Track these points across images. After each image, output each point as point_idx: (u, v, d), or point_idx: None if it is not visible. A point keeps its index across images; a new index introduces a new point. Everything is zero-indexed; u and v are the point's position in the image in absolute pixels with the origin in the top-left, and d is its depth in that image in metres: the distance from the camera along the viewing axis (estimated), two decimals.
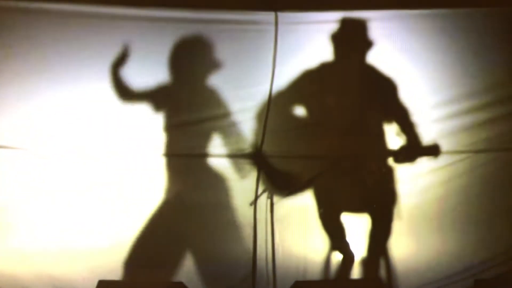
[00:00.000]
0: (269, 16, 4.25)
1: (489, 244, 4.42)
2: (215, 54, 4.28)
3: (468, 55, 4.37)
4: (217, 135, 4.38)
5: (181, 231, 4.34)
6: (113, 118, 4.28)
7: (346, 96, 4.40)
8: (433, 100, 4.40)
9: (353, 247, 4.39)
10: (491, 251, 4.41)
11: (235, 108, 4.37)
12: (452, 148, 4.41)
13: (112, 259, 4.25)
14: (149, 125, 4.33)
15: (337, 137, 4.38)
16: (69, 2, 4.12)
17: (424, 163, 4.40)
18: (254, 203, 4.36)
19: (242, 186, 4.40)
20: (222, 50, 4.29)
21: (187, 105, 4.35)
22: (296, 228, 4.42)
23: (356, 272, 4.38)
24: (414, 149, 4.37)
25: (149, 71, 4.27)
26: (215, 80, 4.33)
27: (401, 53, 4.35)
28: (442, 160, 4.39)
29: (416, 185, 4.44)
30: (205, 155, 4.37)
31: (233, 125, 4.38)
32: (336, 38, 4.34)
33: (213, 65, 4.30)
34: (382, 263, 4.40)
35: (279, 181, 4.41)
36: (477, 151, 4.44)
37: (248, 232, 4.37)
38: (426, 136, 4.38)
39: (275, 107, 4.34)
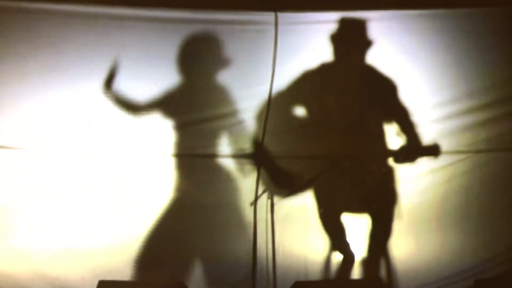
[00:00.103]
0: (269, 16, 4.26)
1: (489, 244, 4.41)
2: (222, 51, 4.28)
3: (468, 55, 4.38)
4: (218, 134, 4.37)
5: (181, 231, 4.33)
6: (113, 118, 4.28)
7: (346, 96, 4.40)
8: (433, 100, 4.40)
9: (353, 247, 4.39)
10: (491, 251, 4.40)
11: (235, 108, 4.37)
12: (452, 148, 4.41)
13: (112, 259, 4.25)
14: (149, 125, 4.33)
15: (337, 137, 4.38)
16: (69, 2, 4.13)
17: (424, 163, 4.40)
18: (254, 203, 4.35)
19: (243, 186, 4.40)
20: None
21: (187, 105, 4.35)
22: (296, 228, 4.42)
23: (356, 272, 4.38)
24: (414, 149, 4.37)
25: (148, 71, 4.27)
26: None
27: (401, 53, 4.36)
28: (442, 160, 4.38)
29: (416, 185, 4.43)
30: (205, 155, 4.38)
31: (233, 125, 4.38)
32: (336, 38, 4.34)
33: (221, 62, 4.30)
34: (382, 263, 4.40)
35: (280, 181, 4.40)
36: (477, 151, 4.44)
37: (248, 232, 4.37)
38: (426, 136, 4.37)
39: (275, 107, 4.34)
